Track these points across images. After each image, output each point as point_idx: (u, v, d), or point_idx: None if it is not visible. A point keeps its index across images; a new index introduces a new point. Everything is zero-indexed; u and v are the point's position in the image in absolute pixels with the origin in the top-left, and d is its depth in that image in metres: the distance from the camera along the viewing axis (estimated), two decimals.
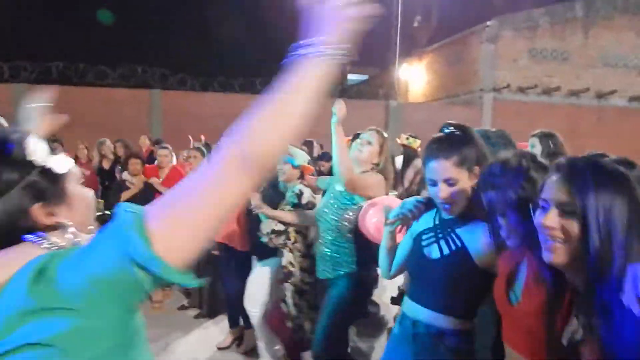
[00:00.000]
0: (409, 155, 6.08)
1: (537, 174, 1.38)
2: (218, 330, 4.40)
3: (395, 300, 4.75)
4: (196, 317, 4.69)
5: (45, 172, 0.86)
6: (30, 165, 0.84)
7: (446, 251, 1.71)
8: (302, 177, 3.38)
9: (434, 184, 1.71)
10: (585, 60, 14.91)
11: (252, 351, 3.81)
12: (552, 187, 1.12)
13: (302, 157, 3.36)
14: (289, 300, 3.23)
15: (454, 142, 1.69)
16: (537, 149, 3.68)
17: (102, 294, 0.68)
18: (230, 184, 0.74)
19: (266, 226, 3.24)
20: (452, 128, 1.74)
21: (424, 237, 1.81)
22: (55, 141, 6.23)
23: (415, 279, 1.83)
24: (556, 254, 1.11)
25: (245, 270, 3.72)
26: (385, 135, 2.97)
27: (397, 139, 6.99)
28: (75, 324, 0.67)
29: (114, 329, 0.71)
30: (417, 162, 4.81)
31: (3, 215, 0.81)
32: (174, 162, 5.69)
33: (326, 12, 0.83)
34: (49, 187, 0.86)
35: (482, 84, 14.80)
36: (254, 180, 0.76)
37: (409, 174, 5.07)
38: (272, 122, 0.78)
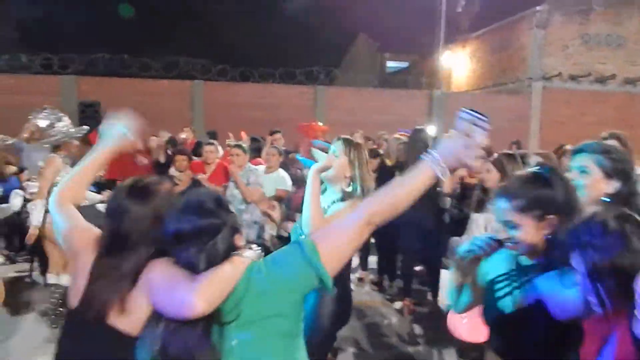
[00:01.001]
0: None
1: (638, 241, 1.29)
2: None
3: None
4: None
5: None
6: (229, 210, 1.41)
7: (521, 304, 1.58)
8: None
9: (497, 221, 1.65)
10: None
11: None
12: None
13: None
14: None
15: (526, 184, 1.57)
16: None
17: (297, 285, 1.34)
18: (356, 236, 1.35)
19: None
20: (537, 168, 1.62)
21: (497, 286, 1.68)
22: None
23: (493, 332, 1.72)
24: None
25: None
26: (358, 141, 2.69)
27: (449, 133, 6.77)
28: (295, 299, 1.35)
29: (300, 304, 1.39)
30: None
31: (227, 245, 1.35)
32: (220, 155, 5.69)
33: (457, 144, 1.28)
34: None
35: (531, 71, 14.20)
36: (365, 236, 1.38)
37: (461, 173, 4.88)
38: (389, 204, 1.35)
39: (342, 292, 2.64)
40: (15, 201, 4.50)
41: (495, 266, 1.71)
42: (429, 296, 4.90)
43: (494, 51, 16.18)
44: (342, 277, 2.65)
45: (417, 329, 4.37)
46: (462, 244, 1.76)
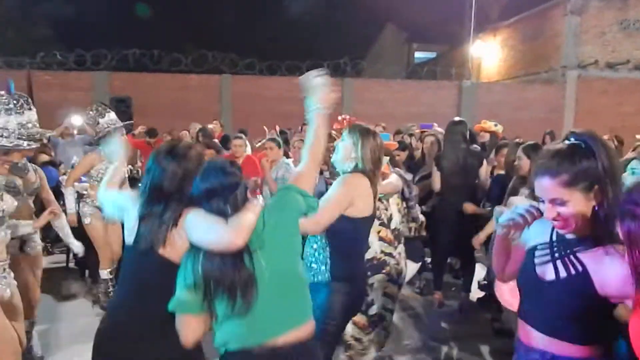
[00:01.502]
0: (494, 142, 5.87)
1: None
2: None
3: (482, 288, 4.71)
4: None
5: None
6: (241, 170, 1.78)
7: (563, 274, 1.55)
8: None
9: (543, 201, 1.57)
10: None
11: None
12: None
13: None
14: None
15: (567, 157, 1.51)
16: None
17: (295, 207, 1.83)
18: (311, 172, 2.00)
19: None
20: (575, 139, 1.54)
21: (537, 252, 1.64)
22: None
23: (527, 298, 1.68)
24: None
25: None
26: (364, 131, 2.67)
27: (482, 124, 6.66)
28: (296, 217, 1.83)
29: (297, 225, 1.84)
30: (504, 151, 4.51)
31: (244, 196, 1.70)
32: (248, 151, 5.74)
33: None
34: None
35: (565, 60, 13.78)
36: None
37: (498, 161, 4.80)
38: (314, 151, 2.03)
39: (353, 287, 2.63)
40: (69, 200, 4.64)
41: (537, 234, 1.67)
42: (458, 290, 4.84)
43: (526, 40, 15.76)
44: (355, 274, 2.67)
45: (448, 323, 4.32)
46: (504, 213, 1.72)
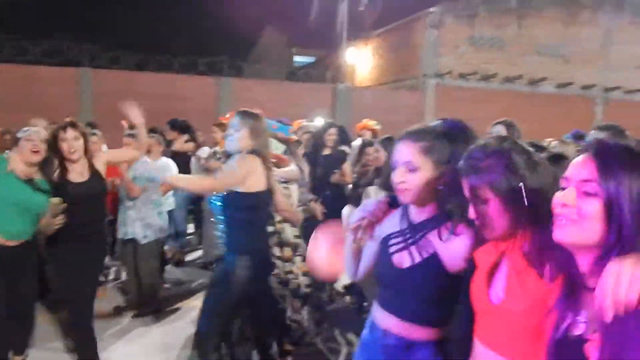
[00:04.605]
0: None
1: (519, 157, 1.32)
2: (161, 333, 4.22)
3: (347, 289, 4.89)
4: (134, 317, 4.51)
5: None
6: None
7: (417, 259, 1.60)
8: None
9: (395, 166, 1.63)
10: (518, 48, 15.74)
11: None
12: (577, 167, 1.07)
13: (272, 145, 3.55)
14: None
15: (430, 131, 1.61)
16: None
17: None
18: None
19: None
20: (444, 120, 1.67)
21: (391, 241, 1.69)
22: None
23: (385, 288, 1.72)
24: (566, 233, 1.06)
25: None
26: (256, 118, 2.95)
27: (364, 122, 7.20)
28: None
29: None
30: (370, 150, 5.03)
31: None
32: (105, 148, 5.31)
33: None
34: None
35: (426, 69, 15.31)
36: None
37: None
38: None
39: (254, 260, 2.83)
40: None
41: (389, 226, 1.72)
42: None
43: (393, 49, 17.17)
44: (256, 247, 2.90)
45: None
46: (354, 213, 1.78)
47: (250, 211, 2.82)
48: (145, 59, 13.32)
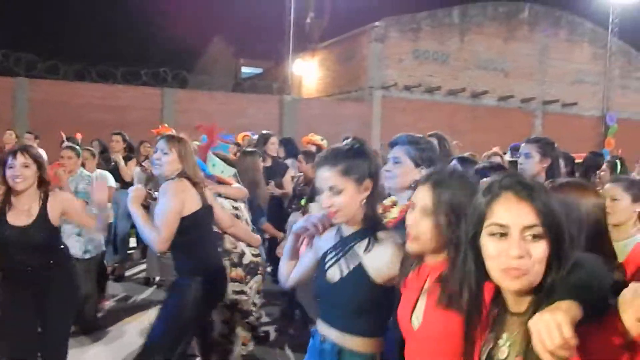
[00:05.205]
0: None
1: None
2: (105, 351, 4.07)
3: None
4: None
5: None
6: None
7: (345, 272, 1.70)
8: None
9: (321, 191, 1.73)
10: (461, 62, 16.28)
11: None
12: (511, 210, 1.04)
13: (219, 168, 3.40)
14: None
15: (342, 152, 1.71)
16: None
17: None
18: None
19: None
20: (347, 140, 1.78)
21: (327, 258, 1.79)
22: None
23: (321, 301, 1.82)
24: (519, 282, 1.04)
25: None
26: (182, 136, 2.90)
27: (309, 137, 7.10)
28: None
29: None
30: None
31: None
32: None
33: None
34: None
35: (371, 81, 15.50)
36: None
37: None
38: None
39: (204, 280, 2.75)
40: None
41: (325, 241, 1.82)
42: None
43: (340, 61, 17.32)
44: (204, 267, 2.79)
45: None
46: (298, 221, 1.86)
47: (190, 232, 2.74)
48: (86, 69, 12.93)
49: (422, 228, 1.43)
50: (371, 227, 1.70)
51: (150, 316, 4.08)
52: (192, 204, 2.73)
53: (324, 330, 1.76)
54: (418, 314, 1.43)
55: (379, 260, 1.64)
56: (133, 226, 6.55)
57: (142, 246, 6.61)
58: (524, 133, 13.43)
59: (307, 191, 4.11)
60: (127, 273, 6.30)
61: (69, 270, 2.95)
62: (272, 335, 4.33)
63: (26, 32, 20.73)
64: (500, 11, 16.65)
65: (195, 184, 2.78)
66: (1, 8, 21.24)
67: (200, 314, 2.82)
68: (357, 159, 1.70)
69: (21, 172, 2.67)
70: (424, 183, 1.46)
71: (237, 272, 3.35)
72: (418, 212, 1.44)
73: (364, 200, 1.70)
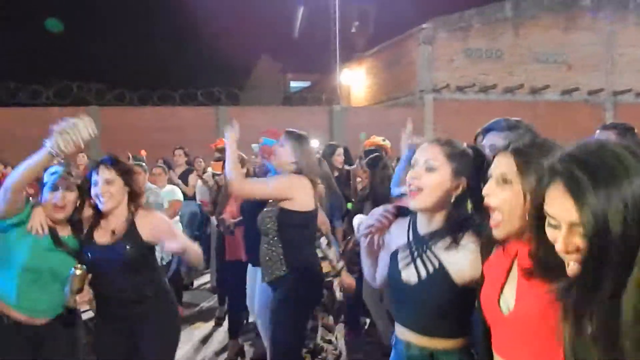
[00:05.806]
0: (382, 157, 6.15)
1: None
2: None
3: None
4: None
5: None
6: None
7: (424, 274, 1.60)
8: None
9: (414, 165, 1.64)
10: (517, 57, 15.45)
11: None
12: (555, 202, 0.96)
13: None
14: None
15: (455, 144, 1.65)
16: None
17: None
18: None
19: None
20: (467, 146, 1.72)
21: (399, 256, 1.69)
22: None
23: (397, 304, 1.75)
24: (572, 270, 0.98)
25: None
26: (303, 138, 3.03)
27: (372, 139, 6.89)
28: None
29: None
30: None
31: None
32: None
33: None
34: None
35: (422, 85, 15.04)
36: None
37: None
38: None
39: (306, 277, 2.85)
40: None
41: (395, 237, 1.72)
42: None
43: (387, 67, 16.97)
44: (308, 264, 2.89)
45: None
46: (362, 221, 1.82)
47: (309, 228, 2.91)
48: (148, 94, 13.78)
49: (502, 197, 1.31)
50: (454, 228, 1.59)
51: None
52: (307, 202, 2.82)
53: (407, 335, 1.66)
54: (506, 298, 1.30)
55: (461, 262, 1.55)
56: (196, 238, 6.70)
57: (206, 257, 6.66)
58: (591, 127, 12.51)
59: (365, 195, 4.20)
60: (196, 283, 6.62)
61: (168, 306, 2.53)
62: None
63: (95, 65, 22.18)
64: (556, 1, 15.71)
65: (312, 182, 2.85)
66: (73, 42, 22.81)
67: (297, 313, 2.87)
68: (465, 157, 1.62)
69: (105, 189, 2.33)
70: (504, 152, 1.34)
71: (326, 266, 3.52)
72: (494, 182, 1.32)
73: (453, 199, 1.60)
